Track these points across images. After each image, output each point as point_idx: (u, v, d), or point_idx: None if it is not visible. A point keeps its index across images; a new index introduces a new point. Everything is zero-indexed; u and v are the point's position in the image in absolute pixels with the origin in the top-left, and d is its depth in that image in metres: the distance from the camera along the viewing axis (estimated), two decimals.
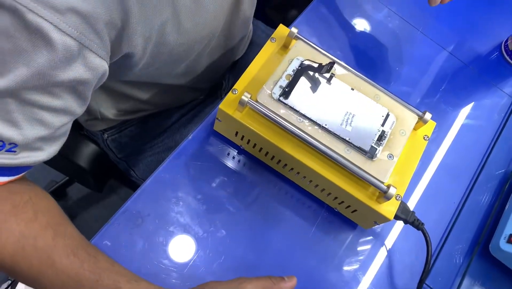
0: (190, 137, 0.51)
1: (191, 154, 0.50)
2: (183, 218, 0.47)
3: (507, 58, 0.68)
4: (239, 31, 0.55)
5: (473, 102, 0.65)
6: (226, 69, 0.65)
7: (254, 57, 0.48)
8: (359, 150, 0.45)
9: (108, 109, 0.59)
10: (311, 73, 0.47)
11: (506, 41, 0.69)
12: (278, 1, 0.88)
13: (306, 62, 0.48)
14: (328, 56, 0.49)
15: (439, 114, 0.63)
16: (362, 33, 0.65)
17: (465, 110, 0.64)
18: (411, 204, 0.55)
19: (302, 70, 0.47)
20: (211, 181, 0.50)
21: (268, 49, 0.49)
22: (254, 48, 0.68)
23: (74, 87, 0.34)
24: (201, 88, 0.63)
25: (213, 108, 0.54)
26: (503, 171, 0.61)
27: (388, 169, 0.45)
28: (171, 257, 0.45)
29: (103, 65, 0.35)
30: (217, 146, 0.52)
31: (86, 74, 0.34)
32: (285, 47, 0.50)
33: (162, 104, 0.62)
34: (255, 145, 0.49)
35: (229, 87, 0.68)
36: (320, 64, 0.47)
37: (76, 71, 0.33)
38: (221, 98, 0.57)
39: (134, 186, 0.66)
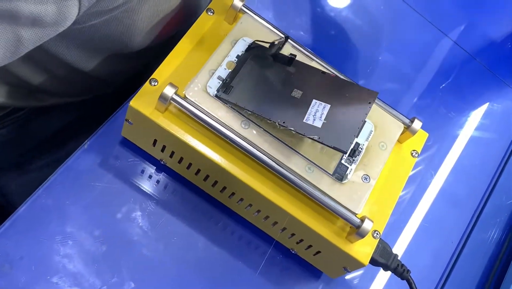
0: (86, 146, 0.51)
1: (87, 171, 0.51)
2: (72, 264, 0.47)
3: None
4: None
5: (482, 107, 0.70)
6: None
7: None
8: (331, 155, 0.47)
9: None
10: (261, 57, 0.49)
11: None
12: None
13: (255, 45, 0.50)
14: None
15: (438, 122, 0.67)
16: (336, 8, 0.69)
17: (472, 118, 0.69)
18: (395, 244, 0.58)
19: (248, 54, 0.49)
20: (116, 210, 0.50)
21: (202, 25, 0.51)
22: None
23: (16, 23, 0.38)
24: (117, 81, 0.65)
25: (122, 104, 0.54)
26: None
27: (363, 195, 0.47)
28: None
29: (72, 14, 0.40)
30: (126, 160, 0.52)
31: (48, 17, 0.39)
32: (228, 23, 0.52)
33: (59, 93, 0.62)
34: (181, 159, 0.50)
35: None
36: (271, 43, 0.49)
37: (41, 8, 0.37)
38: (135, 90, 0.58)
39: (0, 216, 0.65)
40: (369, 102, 0.48)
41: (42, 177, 0.62)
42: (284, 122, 0.46)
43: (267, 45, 0.50)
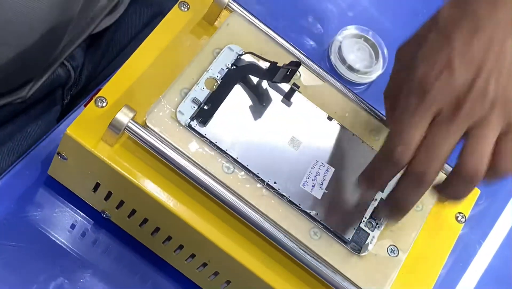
0: None
1: None
2: None
3: None
4: None
5: None
6: (78, 42, 0.67)
7: (145, 36, 0.51)
8: (336, 235, 0.49)
9: None
10: (254, 80, 0.52)
11: None
12: None
13: (247, 58, 0.52)
14: (289, 50, 0.54)
15: None
16: (361, 2, 0.72)
17: None
18: None
19: (238, 72, 0.51)
20: (33, 280, 0.50)
21: (172, 25, 0.53)
22: (141, 11, 0.71)
23: None
24: (31, 64, 0.64)
25: (48, 128, 0.55)
26: None
27: (388, 274, 0.49)
28: None
29: None
30: (52, 210, 0.53)
31: None
32: (208, 23, 0.54)
33: None
34: (133, 211, 0.51)
35: (83, 84, 0.70)
36: (273, 64, 0.51)
37: None
38: (68, 110, 0.58)
39: None
40: None
41: None
42: (275, 182, 0.49)
43: (265, 65, 0.52)
